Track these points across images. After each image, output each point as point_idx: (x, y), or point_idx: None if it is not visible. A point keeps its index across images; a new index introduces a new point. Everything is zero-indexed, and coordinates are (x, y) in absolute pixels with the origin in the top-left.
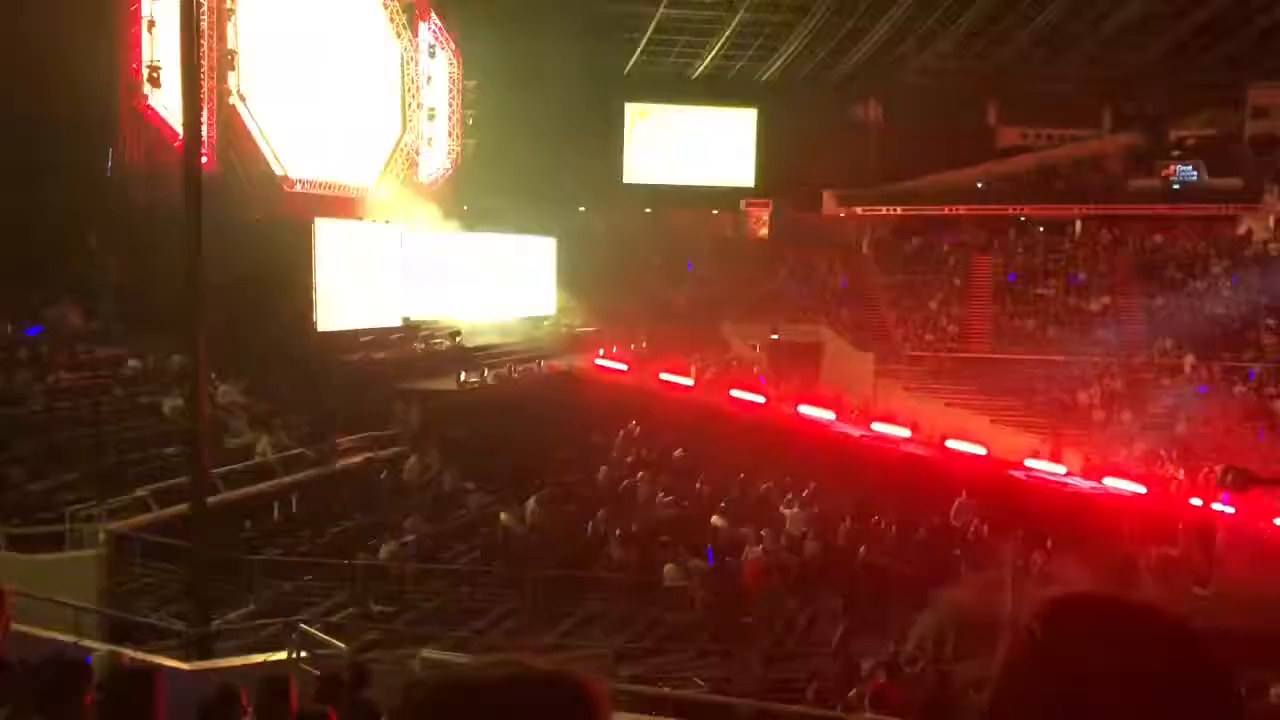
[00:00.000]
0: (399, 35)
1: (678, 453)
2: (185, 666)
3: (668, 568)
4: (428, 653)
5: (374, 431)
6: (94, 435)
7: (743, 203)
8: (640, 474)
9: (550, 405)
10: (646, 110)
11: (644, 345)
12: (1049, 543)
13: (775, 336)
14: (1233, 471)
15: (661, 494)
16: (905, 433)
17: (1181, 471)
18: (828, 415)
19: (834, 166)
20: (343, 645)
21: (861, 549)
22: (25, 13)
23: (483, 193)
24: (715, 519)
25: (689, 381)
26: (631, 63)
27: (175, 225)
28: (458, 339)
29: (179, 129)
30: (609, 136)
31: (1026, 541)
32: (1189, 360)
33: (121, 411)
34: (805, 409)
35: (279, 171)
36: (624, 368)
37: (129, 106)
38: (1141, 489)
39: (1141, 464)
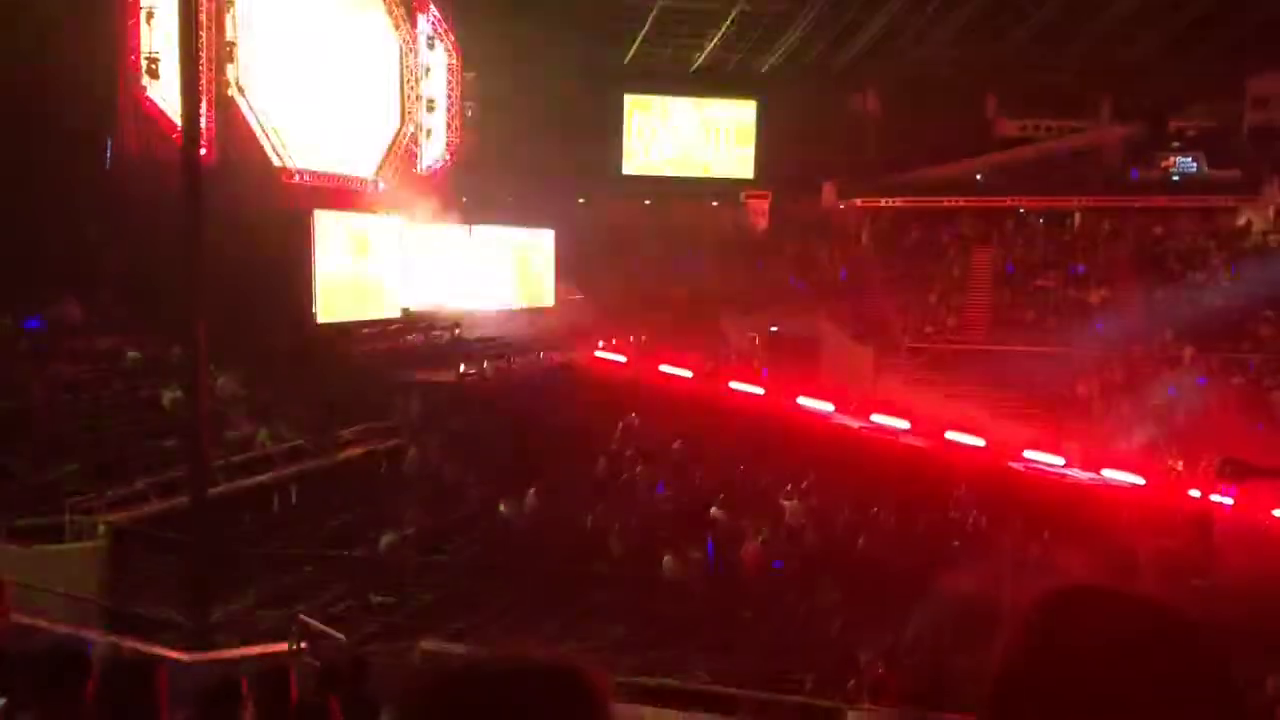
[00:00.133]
0: (398, 27)
1: (677, 444)
2: (185, 657)
3: (667, 559)
4: (428, 644)
5: (374, 423)
6: (93, 427)
7: (742, 194)
8: (639, 466)
9: (549, 397)
10: (646, 102)
11: (643, 337)
12: (1045, 534)
13: (774, 329)
14: (1231, 463)
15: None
16: (904, 424)
17: (1180, 463)
18: (827, 407)
19: (833, 158)
20: (343, 636)
21: (860, 540)
22: (24, 4)
23: (482, 184)
24: (714, 511)
25: (688, 374)
26: (631, 54)
27: (174, 217)
28: (457, 331)
29: (178, 121)
30: (608, 128)
31: (1025, 533)
32: (1188, 352)
33: (121, 403)
34: (804, 401)
35: (278, 163)
36: (623, 360)
37: (128, 98)
38: (1140, 480)
39: (1140, 455)
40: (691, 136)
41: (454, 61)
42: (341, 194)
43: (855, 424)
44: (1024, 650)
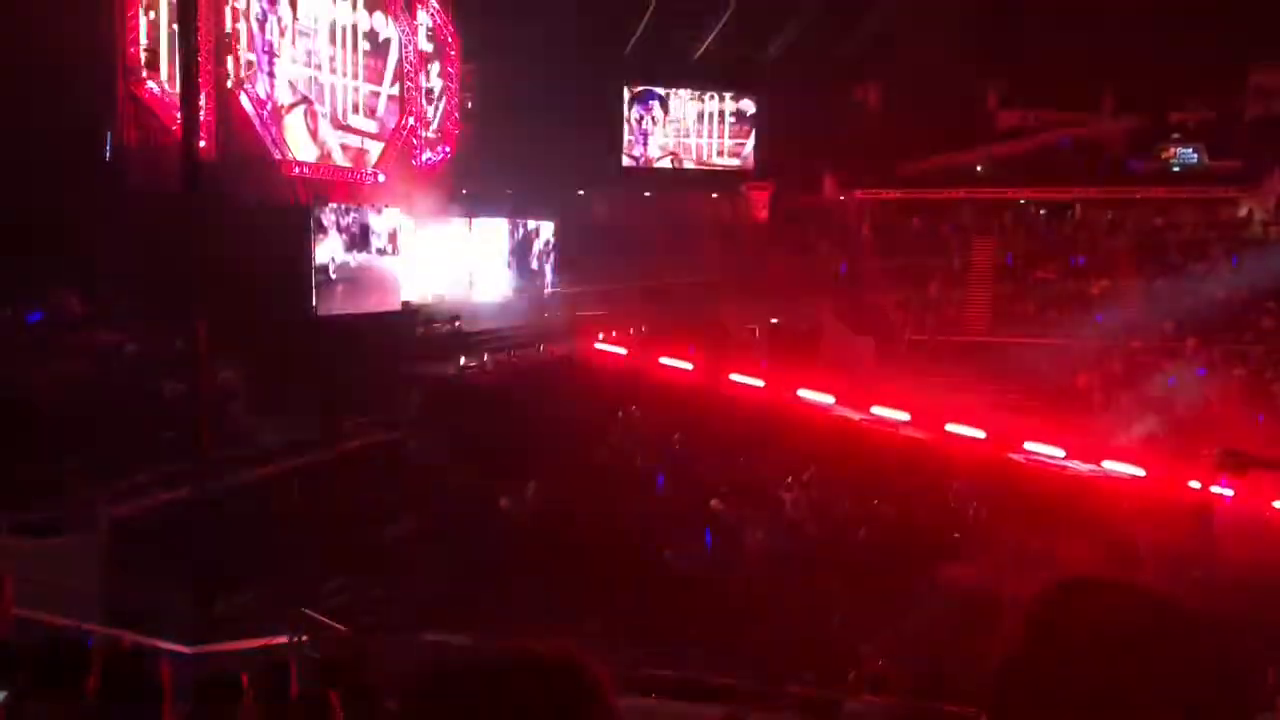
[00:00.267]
0: (397, 18)
1: (677, 437)
2: (186, 650)
3: (667, 551)
4: (429, 636)
5: (375, 416)
6: (94, 420)
7: (742, 186)
8: (640, 457)
9: (550, 389)
10: (646, 92)
11: (643, 329)
12: (1046, 525)
13: (775, 321)
14: (1231, 454)
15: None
16: (905, 416)
17: (1180, 454)
18: (827, 399)
19: (834, 150)
20: (343, 629)
21: (861, 532)
22: None
23: (482, 177)
24: (714, 502)
25: (688, 366)
26: (631, 45)
27: (174, 209)
28: (457, 324)
29: (177, 113)
30: (608, 119)
31: (1025, 524)
32: (1191, 343)
33: (122, 397)
34: (805, 393)
35: (277, 156)
36: (623, 352)
37: (127, 91)
38: (1140, 471)
39: (1140, 446)
40: (691, 128)
41: (453, 53)
42: (341, 186)
43: (855, 416)
44: (1025, 642)
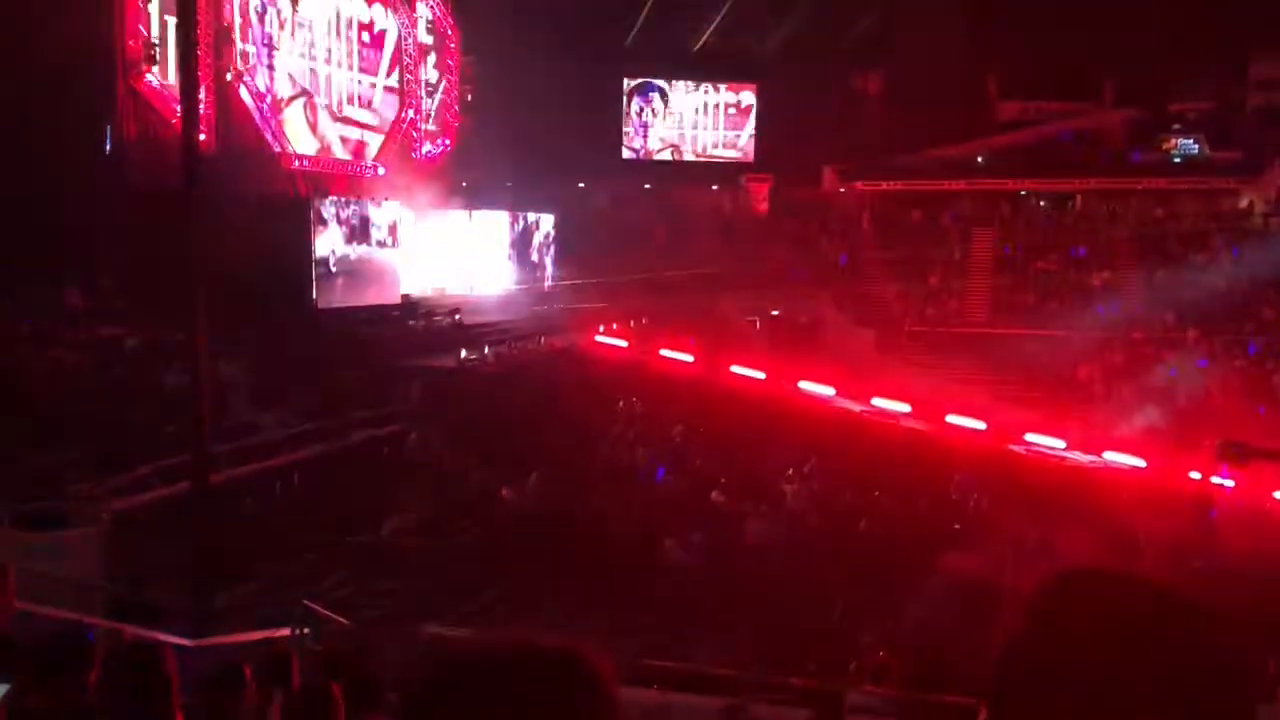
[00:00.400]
0: (396, 10)
1: (678, 429)
2: (188, 643)
3: (668, 543)
4: (431, 628)
5: (376, 409)
6: (95, 414)
7: (742, 178)
8: (640, 450)
9: (551, 382)
10: (646, 85)
11: (644, 321)
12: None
13: (775, 313)
14: (1232, 445)
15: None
16: (905, 408)
17: (1181, 445)
18: (828, 391)
19: (834, 141)
20: (346, 621)
21: (862, 523)
22: None
23: (482, 168)
24: (715, 494)
25: (689, 358)
26: (631, 37)
27: (174, 203)
28: (457, 316)
29: (177, 107)
30: (608, 111)
31: (1026, 515)
32: (1192, 334)
33: (122, 390)
34: (805, 385)
35: (276, 149)
36: (624, 344)
37: (126, 84)
38: (1141, 463)
39: (1141, 437)
40: (692, 119)
41: (453, 45)
42: (340, 179)
43: (856, 408)
44: (1026, 633)
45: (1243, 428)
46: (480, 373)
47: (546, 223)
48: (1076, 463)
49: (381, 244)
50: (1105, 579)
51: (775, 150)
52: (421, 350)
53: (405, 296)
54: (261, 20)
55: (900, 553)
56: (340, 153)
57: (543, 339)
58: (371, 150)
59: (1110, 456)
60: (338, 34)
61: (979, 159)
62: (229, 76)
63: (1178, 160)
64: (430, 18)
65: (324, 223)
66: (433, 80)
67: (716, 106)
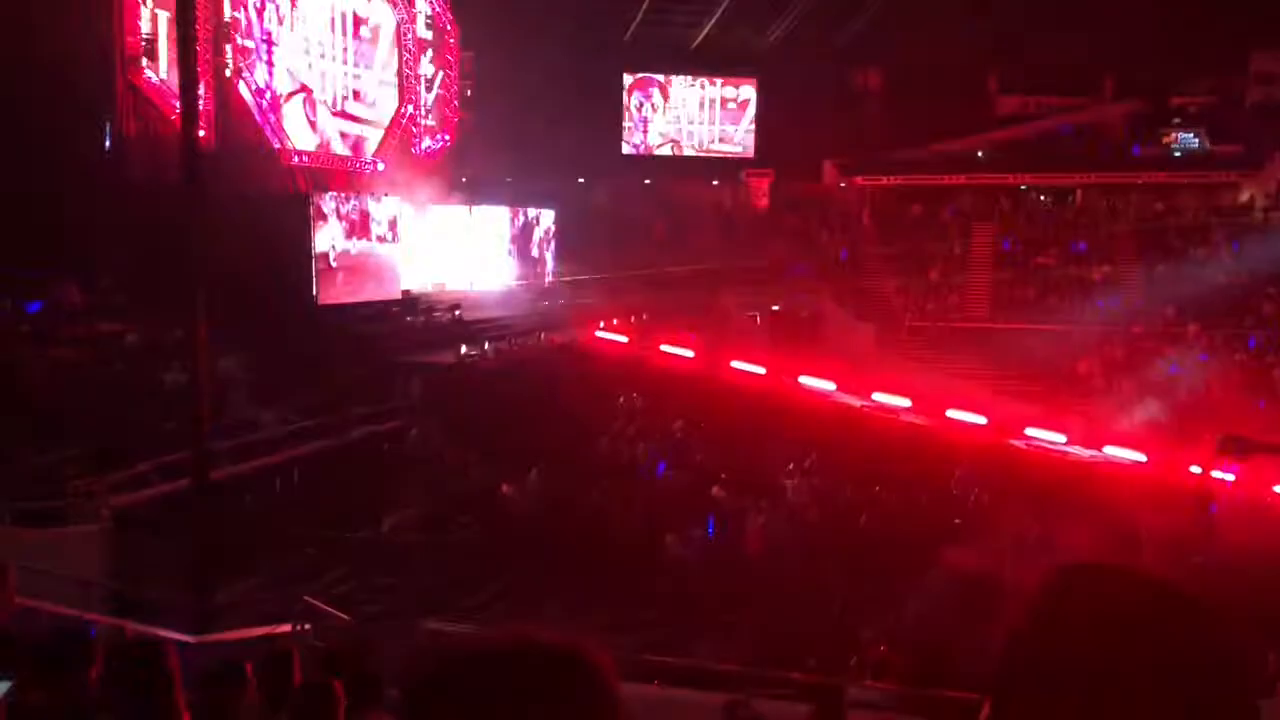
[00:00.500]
0: (395, 5)
1: (678, 424)
2: (189, 640)
3: (669, 538)
4: (432, 624)
5: (376, 405)
6: (95, 410)
7: (743, 173)
8: (641, 446)
9: (551, 378)
10: (646, 79)
11: (644, 317)
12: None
13: (776, 308)
14: (1232, 439)
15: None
16: (906, 403)
17: (1181, 439)
18: (828, 386)
19: (834, 136)
20: (346, 617)
21: (862, 518)
22: None
23: (481, 164)
24: (716, 489)
25: (690, 353)
26: (630, 32)
27: (173, 198)
28: (457, 313)
29: (176, 103)
30: (608, 106)
31: (1027, 510)
32: (1193, 329)
33: (122, 386)
34: (806, 380)
35: (276, 145)
36: (624, 340)
37: (125, 80)
38: (1141, 457)
39: (1142, 432)
40: (692, 115)
41: (453, 40)
42: (341, 175)
43: (857, 402)
44: (1027, 628)
45: (1243, 422)
46: (480, 369)
47: (547, 218)
48: (1077, 457)
49: (381, 239)
50: (1106, 574)
51: (775, 145)
52: (422, 346)
53: (405, 292)
54: (261, 16)
55: (901, 548)
56: (340, 148)
57: (543, 335)
58: (371, 146)
59: (1110, 451)
60: (337, 29)
61: (979, 153)
62: (228, 72)
63: (1178, 154)
64: (429, 13)
65: (324, 217)
66: (432, 75)
67: (716, 101)
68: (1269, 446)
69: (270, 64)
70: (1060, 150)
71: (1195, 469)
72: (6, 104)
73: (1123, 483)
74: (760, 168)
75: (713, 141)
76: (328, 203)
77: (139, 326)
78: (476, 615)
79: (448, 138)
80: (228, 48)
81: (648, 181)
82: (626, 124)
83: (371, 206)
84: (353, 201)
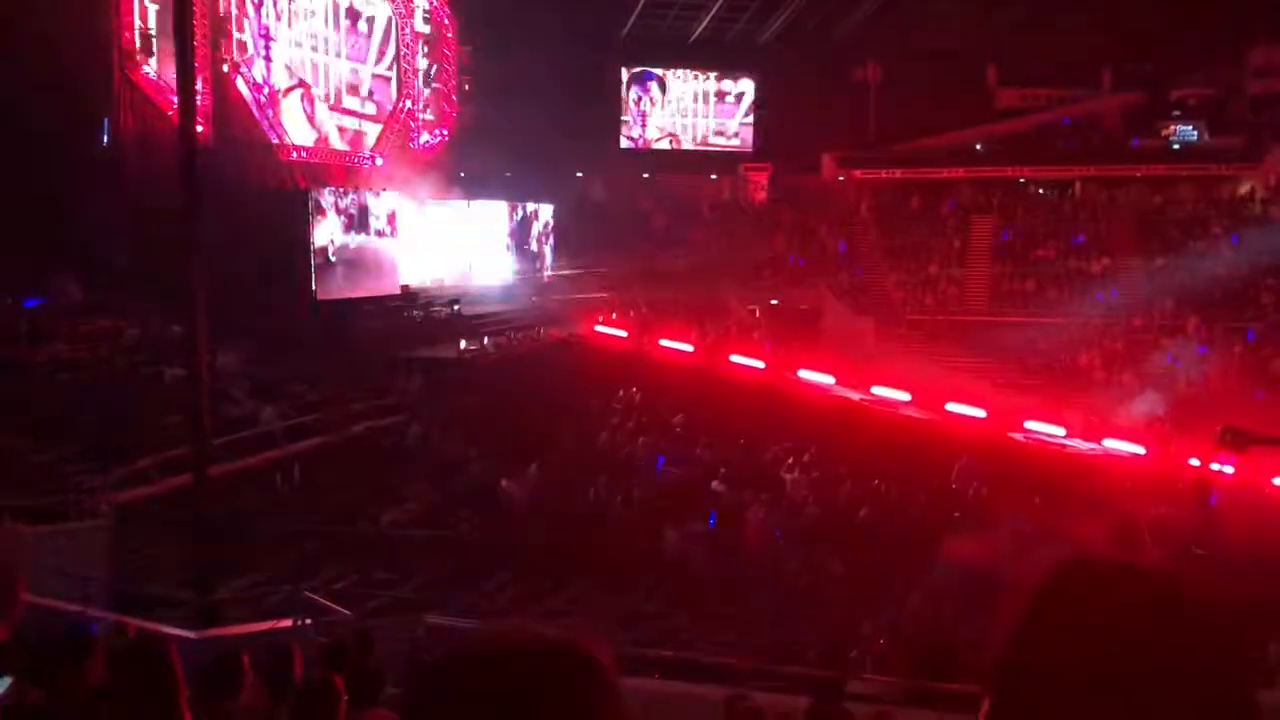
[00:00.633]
0: (394, 1)
1: (678, 418)
2: (191, 635)
3: (669, 532)
4: (432, 619)
5: (376, 400)
6: (95, 406)
7: (741, 167)
8: (640, 440)
9: (550, 372)
10: (644, 73)
11: (644, 311)
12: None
13: (775, 302)
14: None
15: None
16: (905, 396)
17: (1181, 432)
18: (828, 380)
19: (833, 130)
20: (347, 612)
21: (862, 511)
22: None
23: (480, 159)
24: (716, 484)
25: (689, 348)
26: (628, 27)
27: (172, 194)
28: (457, 307)
29: (174, 98)
30: (606, 101)
31: (1026, 503)
32: (1193, 321)
33: (122, 382)
34: (805, 373)
35: (274, 140)
36: (624, 334)
37: (123, 76)
38: (1141, 449)
39: (1141, 425)
40: (690, 109)
41: (450, 35)
42: (338, 170)
43: (856, 396)
44: (1027, 621)
45: (1243, 414)
46: (480, 363)
47: (545, 212)
48: (1076, 450)
49: (380, 234)
50: (1105, 569)
51: (774, 138)
52: (421, 341)
53: (404, 287)
54: (259, 11)
55: (901, 541)
56: (338, 143)
57: (542, 329)
58: (369, 140)
59: (1110, 444)
60: (335, 25)
61: (978, 146)
62: (226, 68)
63: (1177, 147)
64: (427, 7)
65: (322, 212)
66: (429, 70)
67: (715, 95)
68: (1269, 438)
69: (268, 59)
70: (1059, 143)
71: (1194, 461)
72: (5, 101)
73: (1122, 475)
74: (759, 161)
75: (712, 135)
76: (326, 197)
77: (138, 322)
78: (477, 609)
79: (446, 132)
80: (225, 42)
81: (646, 175)
82: (624, 118)
83: (370, 201)
84: (351, 196)
